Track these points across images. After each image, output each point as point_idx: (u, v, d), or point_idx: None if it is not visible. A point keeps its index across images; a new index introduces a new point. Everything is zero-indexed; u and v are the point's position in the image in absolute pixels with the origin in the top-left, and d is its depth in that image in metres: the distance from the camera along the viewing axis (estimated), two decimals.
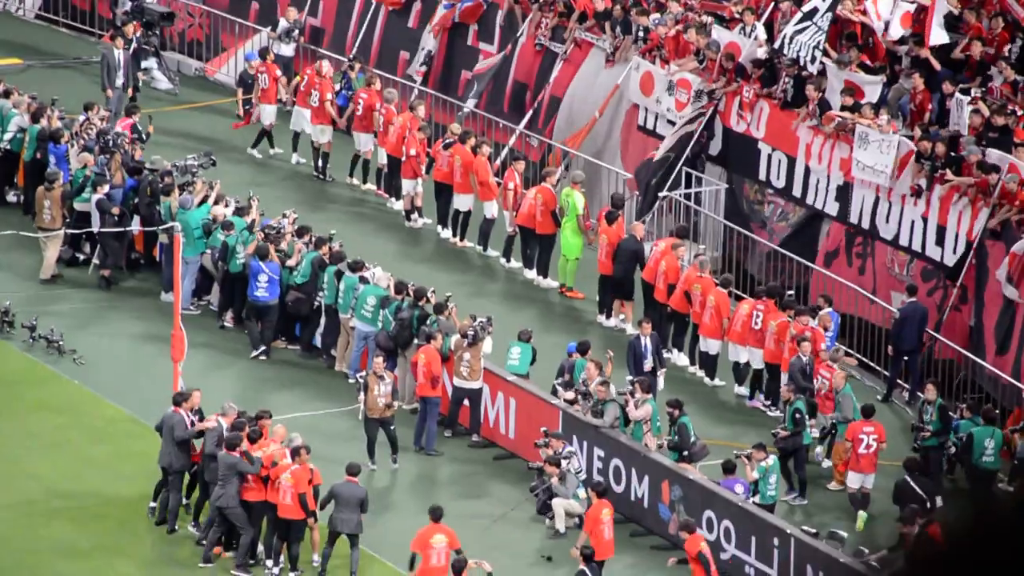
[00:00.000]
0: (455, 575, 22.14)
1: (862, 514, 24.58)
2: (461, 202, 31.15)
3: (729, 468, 23.98)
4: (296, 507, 22.96)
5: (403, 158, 31.69)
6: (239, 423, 23.46)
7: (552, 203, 29.99)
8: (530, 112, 32.91)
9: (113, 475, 25.01)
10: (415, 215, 31.98)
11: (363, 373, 25.54)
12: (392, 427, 25.27)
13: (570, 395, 25.32)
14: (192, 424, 23.76)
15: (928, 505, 22.87)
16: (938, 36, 28.97)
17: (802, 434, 24.67)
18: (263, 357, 27.84)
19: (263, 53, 34.10)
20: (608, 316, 29.42)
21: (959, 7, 29.55)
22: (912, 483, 23.63)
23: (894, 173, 27.93)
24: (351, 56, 34.04)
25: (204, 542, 23.41)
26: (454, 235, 31.49)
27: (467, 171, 30.92)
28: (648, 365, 26.39)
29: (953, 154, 27.69)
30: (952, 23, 29.42)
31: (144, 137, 31.00)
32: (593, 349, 26.40)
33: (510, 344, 26.29)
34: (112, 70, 33.76)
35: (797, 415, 24.63)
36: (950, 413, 25.01)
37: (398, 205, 32.22)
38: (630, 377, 25.51)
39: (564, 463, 24.26)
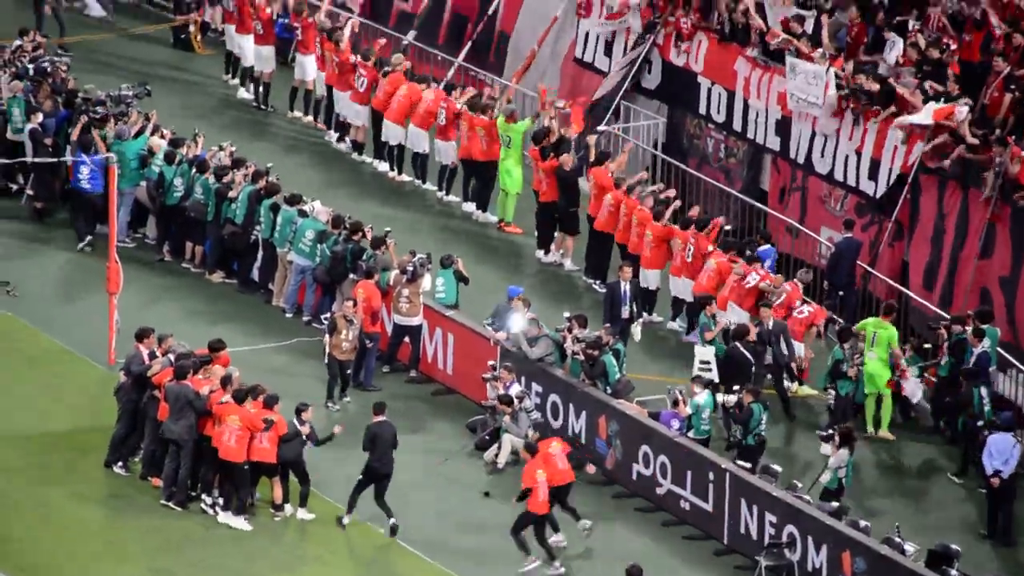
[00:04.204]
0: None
1: (794, 385, 25.89)
2: (394, 134, 30.91)
3: (674, 402, 24.17)
4: (239, 449, 22.89)
5: (348, 91, 31.44)
6: (184, 363, 23.38)
7: (494, 133, 29.83)
8: (468, 44, 32.81)
9: (48, 408, 24.91)
10: (352, 148, 31.81)
11: (327, 316, 25.54)
12: (349, 370, 25.35)
13: (502, 334, 25.33)
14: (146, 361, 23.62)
15: (753, 368, 24.94)
16: None
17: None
18: (88, 248, 28.01)
19: None
20: (547, 252, 29.38)
21: None
22: (741, 348, 24.95)
23: (825, 105, 28.03)
24: None
25: (152, 478, 23.39)
26: (391, 168, 31.39)
27: (410, 102, 30.62)
28: (626, 312, 26.27)
29: (886, 88, 27.78)
30: None
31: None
32: (528, 287, 26.44)
33: (436, 274, 26.33)
34: None
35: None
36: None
37: (338, 141, 31.96)
38: (567, 314, 25.57)
39: (517, 402, 24.35)
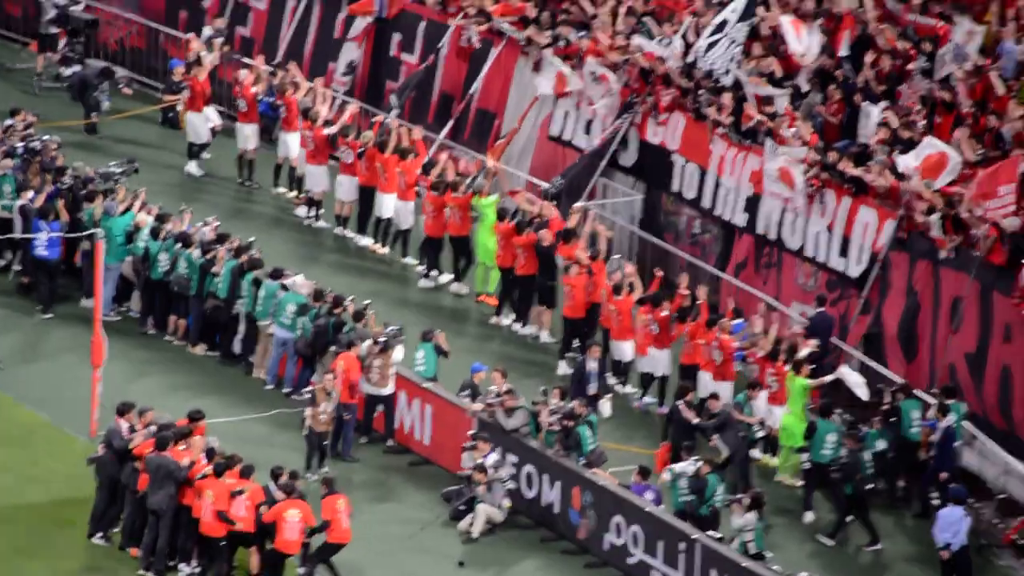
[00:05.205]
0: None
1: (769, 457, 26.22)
2: (387, 207, 31.22)
3: (644, 473, 24.46)
4: (215, 523, 23.20)
5: (323, 166, 31.94)
6: (164, 434, 23.70)
7: (465, 208, 30.24)
8: (451, 121, 33.29)
9: (27, 480, 25.15)
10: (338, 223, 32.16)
11: (310, 389, 25.87)
12: (326, 442, 25.72)
13: (479, 405, 25.71)
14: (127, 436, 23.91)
15: (693, 431, 25.38)
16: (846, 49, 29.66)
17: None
18: (49, 315, 28.71)
19: (189, 66, 34.19)
20: (524, 324, 29.69)
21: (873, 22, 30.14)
22: (682, 410, 25.48)
23: (797, 186, 28.44)
24: (277, 62, 34.28)
25: (131, 548, 23.63)
26: (375, 241, 31.80)
27: (388, 167, 30.85)
28: (592, 389, 26.48)
29: (858, 170, 28.12)
30: (863, 41, 30.02)
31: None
32: (500, 358, 26.79)
33: (416, 347, 26.67)
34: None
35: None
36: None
37: (313, 219, 32.33)
38: (544, 387, 25.90)
39: (492, 471, 24.67)
